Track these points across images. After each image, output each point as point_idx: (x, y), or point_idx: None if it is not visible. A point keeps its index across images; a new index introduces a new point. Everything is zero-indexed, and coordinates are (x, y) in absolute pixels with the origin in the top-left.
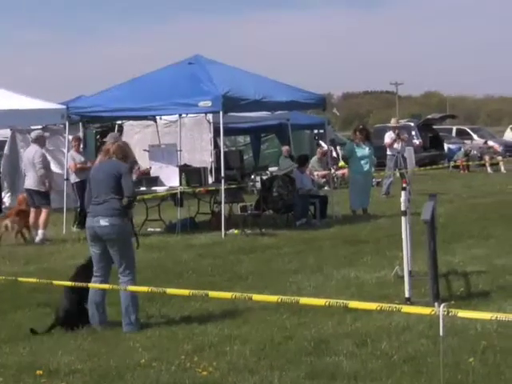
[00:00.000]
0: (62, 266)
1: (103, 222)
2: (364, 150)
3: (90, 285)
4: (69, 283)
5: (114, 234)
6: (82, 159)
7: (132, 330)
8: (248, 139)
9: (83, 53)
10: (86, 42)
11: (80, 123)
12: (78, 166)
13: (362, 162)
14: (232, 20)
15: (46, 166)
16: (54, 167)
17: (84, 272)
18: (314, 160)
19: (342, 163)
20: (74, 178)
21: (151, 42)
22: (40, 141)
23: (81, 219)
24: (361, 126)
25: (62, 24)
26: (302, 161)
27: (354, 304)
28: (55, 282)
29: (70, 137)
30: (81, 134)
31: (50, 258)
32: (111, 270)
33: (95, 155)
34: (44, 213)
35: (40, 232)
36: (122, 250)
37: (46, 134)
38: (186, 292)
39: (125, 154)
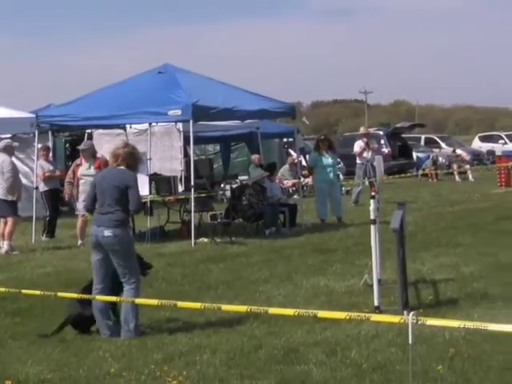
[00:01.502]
0: (31, 274)
1: (107, 233)
2: (328, 160)
3: (73, 295)
4: (37, 292)
5: (116, 244)
6: (51, 168)
7: (130, 338)
8: (218, 148)
9: (50, 61)
10: (52, 50)
11: (49, 132)
12: (47, 174)
13: (326, 170)
14: (203, 28)
15: (14, 175)
16: (25, 176)
17: None
18: (284, 168)
19: (305, 172)
20: (42, 187)
21: (116, 52)
22: (8, 150)
23: (50, 228)
24: (322, 137)
25: (29, 32)
26: (271, 169)
27: (323, 314)
28: (24, 291)
29: (40, 145)
30: (50, 143)
31: (19, 266)
32: (111, 277)
33: (64, 164)
34: (10, 222)
35: (5, 243)
36: (125, 260)
37: (15, 144)
38: (154, 302)
39: (135, 161)
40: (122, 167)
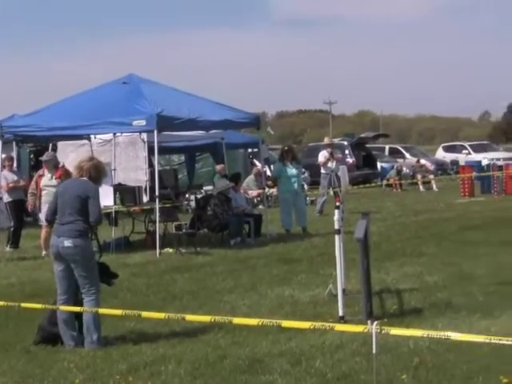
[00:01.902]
0: None
1: (67, 243)
2: (292, 170)
3: (37, 306)
4: (1, 303)
5: (77, 254)
6: (15, 178)
7: (94, 349)
8: (183, 158)
9: (13, 71)
10: (15, 59)
11: (13, 142)
12: (11, 185)
13: (291, 181)
14: (166, 38)
15: None
16: None
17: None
18: (250, 179)
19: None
20: (6, 198)
21: (86, 59)
22: None
23: (14, 239)
24: (286, 148)
25: None
26: (236, 179)
27: (287, 323)
28: None
29: (3, 156)
30: (14, 153)
31: None
32: (74, 288)
33: (29, 174)
34: None
35: None
36: (85, 271)
37: None
38: (118, 312)
39: (98, 174)
40: (85, 178)
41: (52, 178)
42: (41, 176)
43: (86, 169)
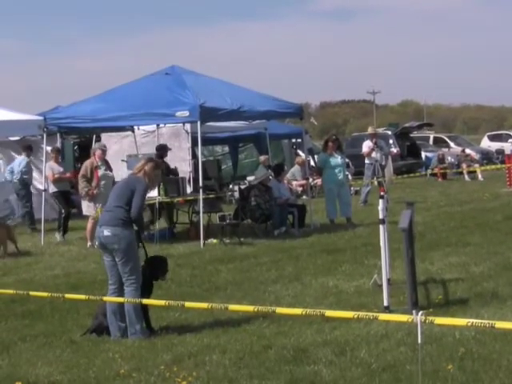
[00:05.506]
0: (40, 276)
1: (106, 232)
2: (337, 160)
3: (81, 297)
4: (45, 294)
5: (116, 243)
6: (61, 169)
7: (139, 338)
8: (226, 149)
9: (57, 65)
10: (60, 54)
11: (58, 134)
12: (56, 176)
13: (336, 171)
14: (207, 30)
15: None
16: (33, 178)
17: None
18: (295, 169)
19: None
20: (52, 188)
21: (126, 54)
22: None
23: (64, 227)
24: (334, 136)
25: (37, 36)
26: (278, 170)
27: (330, 313)
28: (32, 293)
29: (48, 148)
30: (59, 145)
31: (28, 269)
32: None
33: (73, 166)
34: None
35: None
36: (125, 260)
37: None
38: (161, 302)
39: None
40: (139, 175)
41: (106, 169)
42: (97, 167)
43: (144, 170)
